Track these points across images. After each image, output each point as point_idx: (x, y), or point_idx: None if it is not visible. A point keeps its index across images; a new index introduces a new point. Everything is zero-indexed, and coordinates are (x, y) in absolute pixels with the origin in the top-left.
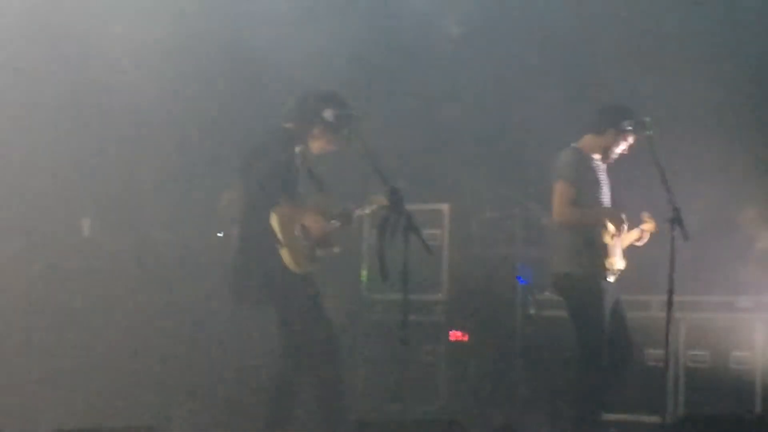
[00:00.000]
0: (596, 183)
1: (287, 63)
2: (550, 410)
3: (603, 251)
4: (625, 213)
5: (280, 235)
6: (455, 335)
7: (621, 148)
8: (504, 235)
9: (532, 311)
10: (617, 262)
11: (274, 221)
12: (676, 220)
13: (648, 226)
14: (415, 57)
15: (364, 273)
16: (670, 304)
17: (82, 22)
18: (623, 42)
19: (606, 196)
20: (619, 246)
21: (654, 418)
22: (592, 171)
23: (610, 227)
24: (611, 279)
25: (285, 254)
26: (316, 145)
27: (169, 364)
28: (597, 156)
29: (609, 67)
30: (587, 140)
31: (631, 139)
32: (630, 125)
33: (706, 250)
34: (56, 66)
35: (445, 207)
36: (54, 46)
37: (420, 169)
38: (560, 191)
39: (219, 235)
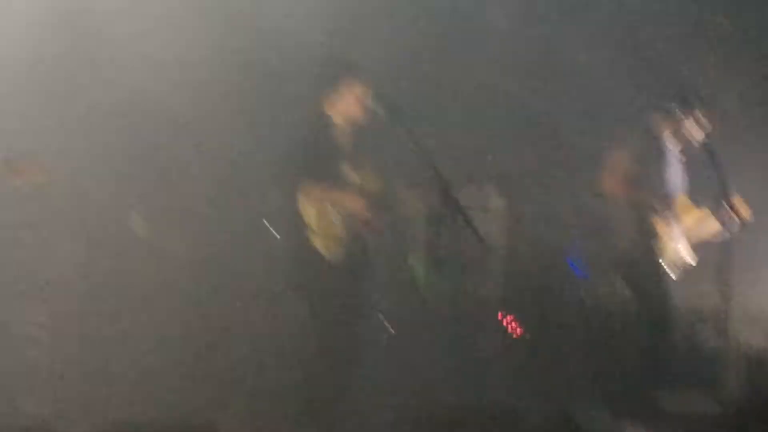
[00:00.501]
0: (663, 166)
1: (327, 61)
2: (609, 400)
3: (658, 238)
4: (685, 203)
5: (306, 218)
6: (511, 327)
7: (688, 131)
8: (559, 225)
9: (588, 301)
10: (678, 251)
11: (302, 202)
12: (731, 207)
13: (739, 212)
14: (462, 45)
15: (418, 266)
16: (727, 293)
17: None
18: (680, 22)
19: (674, 182)
20: (683, 235)
21: (712, 406)
22: (659, 153)
23: (667, 214)
24: (669, 268)
25: (315, 238)
26: (344, 110)
27: (214, 360)
28: (667, 139)
29: (667, 49)
30: (657, 122)
31: (700, 122)
32: (684, 104)
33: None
34: (106, 72)
35: (500, 200)
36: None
37: (470, 159)
38: (618, 165)
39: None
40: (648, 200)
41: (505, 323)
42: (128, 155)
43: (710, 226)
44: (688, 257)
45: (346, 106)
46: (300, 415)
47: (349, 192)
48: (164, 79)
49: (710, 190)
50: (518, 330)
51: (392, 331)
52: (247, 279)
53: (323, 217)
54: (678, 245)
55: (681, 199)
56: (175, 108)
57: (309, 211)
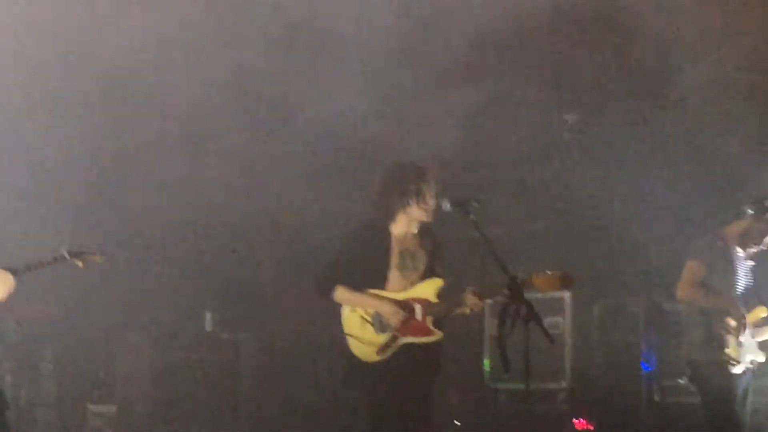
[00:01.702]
0: (731, 271)
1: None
2: None
3: (723, 340)
4: (754, 306)
5: (343, 321)
6: (580, 424)
7: (759, 235)
8: (627, 322)
9: (657, 398)
10: (743, 354)
11: (342, 306)
12: None
13: None
14: (533, 142)
15: (486, 362)
16: None
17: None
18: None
19: (741, 286)
20: (752, 337)
21: None
22: (728, 258)
23: (730, 319)
24: (736, 370)
25: (351, 342)
26: (406, 220)
27: None
28: (737, 244)
29: (739, 152)
30: (728, 228)
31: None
32: (754, 209)
33: None
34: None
35: (566, 294)
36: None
37: (540, 256)
38: (688, 270)
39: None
40: (719, 303)
41: (578, 426)
42: (196, 255)
43: None
44: (759, 358)
45: (410, 211)
46: None
47: (389, 298)
48: (230, 183)
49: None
50: (586, 425)
51: (458, 424)
52: (306, 372)
53: (359, 321)
54: (748, 348)
55: (752, 303)
56: (239, 211)
57: (348, 317)
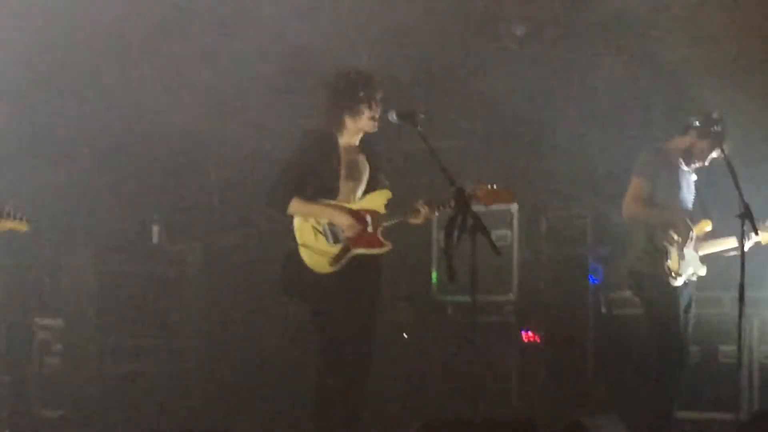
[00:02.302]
0: (675, 185)
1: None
2: (623, 410)
3: (665, 254)
4: (699, 220)
5: (295, 232)
6: (527, 336)
7: (703, 150)
8: (574, 234)
9: (603, 310)
10: (684, 266)
11: (294, 216)
12: (746, 216)
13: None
14: (480, 55)
15: (434, 274)
16: (741, 300)
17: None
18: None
19: (685, 201)
20: (693, 250)
21: (728, 416)
22: (672, 172)
23: (674, 232)
24: (676, 282)
25: (303, 253)
26: (355, 123)
27: (223, 364)
28: (680, 158)
29: (682, 67)
30: (672, 142)
31: (711, 141)
32: (699, 123)
33: None
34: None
35: (513, 207)
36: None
37: (488, 169)
38: (634, 188)
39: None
40: (665, 218)
41: (525, 337)
42: (142, 167)
43: (725, 243)
44: (700, 272)
45: (358, 120)
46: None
47: (346, 208)
48: (175, 94)
49: (726, 207)
50: (533, 337)
51: (405, 336)
52: (252, 283)
53: (311, 232)
54: (689, 261)
55: (696, 216)
56: (186, 122)
57: (300, 227)
